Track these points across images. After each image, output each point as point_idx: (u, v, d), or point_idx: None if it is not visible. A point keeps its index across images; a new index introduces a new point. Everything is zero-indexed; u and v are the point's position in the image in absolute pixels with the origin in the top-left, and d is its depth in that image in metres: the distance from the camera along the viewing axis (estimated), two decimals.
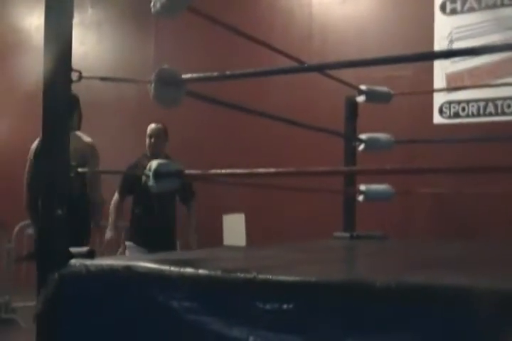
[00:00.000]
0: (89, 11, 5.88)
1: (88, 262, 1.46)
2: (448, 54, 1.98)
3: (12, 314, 5.08)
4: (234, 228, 4.43)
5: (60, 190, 1.53)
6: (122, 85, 4.75)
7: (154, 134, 4.10)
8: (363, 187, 2.99)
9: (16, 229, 5.14)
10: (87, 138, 3.70)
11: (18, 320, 4.92)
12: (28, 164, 3.81)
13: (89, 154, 3.62)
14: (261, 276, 1.26)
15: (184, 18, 1.86)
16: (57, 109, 1.60)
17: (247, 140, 4.96)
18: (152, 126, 4.15)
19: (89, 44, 5.82)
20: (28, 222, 4.38)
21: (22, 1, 6.54)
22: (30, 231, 4.55)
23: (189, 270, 1.32)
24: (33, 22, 6.21)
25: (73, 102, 3.70)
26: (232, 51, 4.66)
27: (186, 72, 1.70)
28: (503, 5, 4.06)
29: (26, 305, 4.43)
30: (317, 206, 4.16)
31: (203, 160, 3.92)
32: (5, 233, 5.22)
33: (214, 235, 4.62)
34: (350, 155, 3.19)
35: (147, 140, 4.10)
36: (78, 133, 3.67)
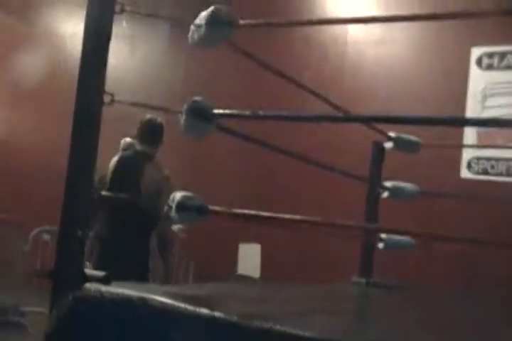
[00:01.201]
0: (123, 24, 5.94)
1: (103, 288, 1.42)
2: (479, 122, 1.95)
3: (20, 317, 5.02)
4: (249, 258, 4.38)
5: (81, 211, 1.50)
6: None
7: (127, 149, 4.02)
8: (383, 235, 2.93)
9: (34, 232, 5.12)
10: (165, 171, 3.70)
11: (25, 324, 4.87)
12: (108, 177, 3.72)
13: (164, 186, 3.57)
14: (277, 328, 1.21)
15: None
16: (87, 131, 1.58)
17: (276, 177, 4.93)
18: (127, 140, 4.08)
19: (121, 57, 5.85)
20: (45, 227, 4.35)
21: (61, 5, 6.60)
22: (47, 237, 4.53)
23: (204, 311, 1.27)
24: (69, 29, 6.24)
25: (161, 132, 3.72)
26: (261, 84, 4.67)
27: (213, 100, 1.67)
28: None
29: (35, 309, 4.39)
30: (335, 246, 4.09)
31: (225, 191, 3.89)
32: (22, 235, 5.20)
33: (228, 263, 4.58)
34: (373, 201, 3.13)
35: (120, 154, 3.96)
36: (158, 163, 3.65)
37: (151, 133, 3.77)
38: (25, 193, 5.71)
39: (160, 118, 3.79)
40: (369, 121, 1.90)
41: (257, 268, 3.87)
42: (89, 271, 1.48)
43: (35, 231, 5.10)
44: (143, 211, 3.57)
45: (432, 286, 3.95)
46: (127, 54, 6.02)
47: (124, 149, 4.27)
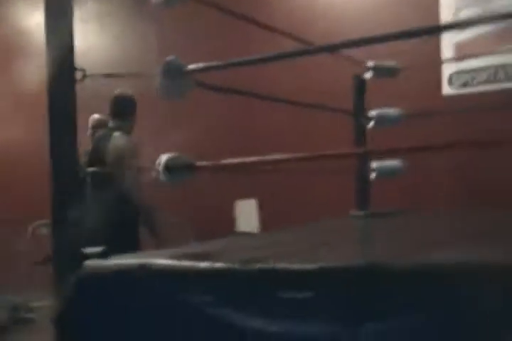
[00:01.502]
0: (89, 4, 5.84)
1: (102, 262, 1.46)
2: (454, 26, 1.94)
3: (30, 313, 5.15)
4: (246, 214, 4.45)
5: (71, 191, 1.53)
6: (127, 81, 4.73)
7: (97, 126, 3.94)
8: (374, 164, 2.97)
9: (31, 227, 5.18)
10: (133, 141, 3.68)
11: (36, 319, 4.99)
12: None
13: (126, 152, 3.59)
14: (279, 266, 1.26)
15: (185, 6, 1.84)
16: (62, 110, 1.59)
17: (254, 126, 4.94)
18: (95, 117, 4.02)
19: (91, 39, 5.78)
20: (42, 221, 4.38)
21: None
22: (45, 231, 4.56)
23: (204, 264, 1.32)
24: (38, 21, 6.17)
25: (132, 105, 3.67)
26: (234, 38, 4.61)
27: (191, 63, 1.68)
28: None
29: (43, 304, 4.49)
30: (331, 185, 4.15)
31: (212, 149, 3.90)
32: (23, 231, 5.27)
33: (226, 222, 4.67)
34: (361, 133, 3.17)
35: (89, 131, 3.92)
36: (127, 135, 3.65)
37: (122, 107, 3.73)
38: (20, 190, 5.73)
39: (131, 91, 3.74)
40: (344, 47, 1.89)
41: (255, 223, 3.92)
42: (86, 249, 1.52)
43: (32, 226, 5.13)
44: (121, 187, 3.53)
45: (434, 208, 4.03)
46: (97, 34, 5.91)
47: (94, 127, 4.20)
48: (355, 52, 3.02)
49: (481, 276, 1.09)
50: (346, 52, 2.64)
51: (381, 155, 2.78)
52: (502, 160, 3.26)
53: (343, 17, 4.64)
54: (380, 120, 3.07)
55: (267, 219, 4.40)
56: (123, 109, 3.73)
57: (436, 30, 2.36)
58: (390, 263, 1.21)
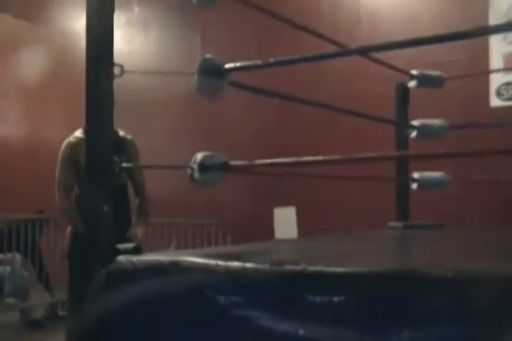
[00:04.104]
0: (136, 9, 5.94)
1: (134, 258, 1.45)
2: (504, 28, 1.86)
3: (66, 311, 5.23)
4: (285, 221, 4.41)
5: (104, 186, 1.53)
6: (170, 81, 4.78)
7: None
8: (416, 175, 2.90)
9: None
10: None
11: None
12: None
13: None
14: (310, 268, 1.22)
15: (229, 8, 1.84)
16: (100, 104, 1.60)
17: (294, 130, 4.92)
18: None
19: (136, 43, 5.88)
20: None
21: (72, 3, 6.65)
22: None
23: (236, 264, 1.29)
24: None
25: None
26: (279, 41, 4.61)
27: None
28: None
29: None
30: (370, 196, 4.08)
31: (250, 151, 3.89)
32: (60, 231, 5.33)
33: (265, 229, 4.65)
34: (403, 143, 3.09)
35: None
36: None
37: None
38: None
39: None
40: (388, 48, 1.84)
41: (294, 230, 3.87)
42: (119, 245, 1.51)
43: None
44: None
45: (474, 222, 3.91)
46: (142, 39, 6.00)
47: None
48: (401, 62, 2.99)
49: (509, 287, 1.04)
50: (392, 60, 2.60)
51: (421, 159, 2.69)
52: None
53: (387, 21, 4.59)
54: (423, 131, 2.99)
55: (305, 227, 4.35)
56: None
57: (482, 32, 2.29)
58: (422, 271, 1.16)
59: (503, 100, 4.02)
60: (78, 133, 3.59)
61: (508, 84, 4.00)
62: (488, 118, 3.95)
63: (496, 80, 4.00)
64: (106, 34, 1.61)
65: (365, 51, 2.01)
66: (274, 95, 1.96)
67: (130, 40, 5.69)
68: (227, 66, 1.64)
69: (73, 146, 3.50)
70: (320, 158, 1.55)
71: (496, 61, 4.00)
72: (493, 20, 3.97)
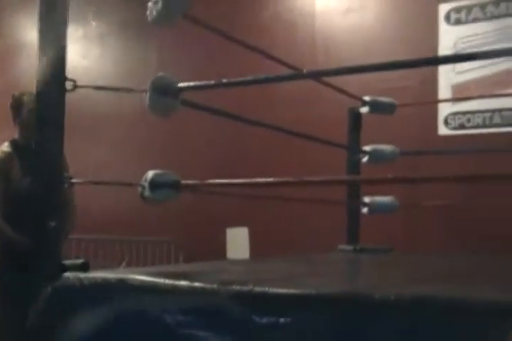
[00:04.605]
0: (93, 24, 5.90)
1: (82, 275, 1.42)
2: (449, 59, 1.94)
3: None
4: (237, 241, 4.41)
5: (52, 202, 1.50)
6: (124, 96, 4.73)
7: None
8: (367, 199, 2.94)
9: None
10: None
11: None
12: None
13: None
14: (257, 289, 1.22)
15: (186, 28, 1.84)
16: (51, 119, 1.57)
17: (246, 152, 4.94)
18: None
19: (92, 57, 5.81)
20: None
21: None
22: None
23: (183, 283, 1.28)
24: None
25: (16, 107, 3.35)
26: (233, 62, 4.64)
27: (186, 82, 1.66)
28: (507, 15, 4.03)
29: None
30: (322, 219, 4.11)
31: (202, 170, 3.87)
32: None
33: (218, 248, 4.64)
34: (354, 167, 3.14)
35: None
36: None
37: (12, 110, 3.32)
38: None
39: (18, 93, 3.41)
40: (341, 73, 1.88)
41: (246, 251, 3.86)
42: (66, 261, 1.48)
43: None
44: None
45: (423, 247, 3.99)
46: (99, 53, 5.96)
47: None
48: (356, 87, 3.05)
49: (457, 309, 1.07)
50: (347, 86, 2.65)
51: (371, 184, 2.74)
52: (494, 201, 3.24)
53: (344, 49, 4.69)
54: (375, 156, 3.05)
55: (257, 247, 4.35)
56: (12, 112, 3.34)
57: (434, 61, 2.37)
58: (369, 293, 1.17)
59: (451, 129, 4.15)
60: (5, 147, 3.44)
61: (455, 113, 4.13)
62: (437, 145, 4.06)
63: (444, 109, 4.13)
64: (58, 47, 1.59)
65: (318, 75, 2.04)
66: (226, 115, 1.97)
67: (86, 55, 5.64)
68: (180, 85, 1.64)
69: (2, 161, 3.37)
70: (272, 179, 1.56)
71: (444, 91, 4.14)
72: (442, 51, 4.12)
